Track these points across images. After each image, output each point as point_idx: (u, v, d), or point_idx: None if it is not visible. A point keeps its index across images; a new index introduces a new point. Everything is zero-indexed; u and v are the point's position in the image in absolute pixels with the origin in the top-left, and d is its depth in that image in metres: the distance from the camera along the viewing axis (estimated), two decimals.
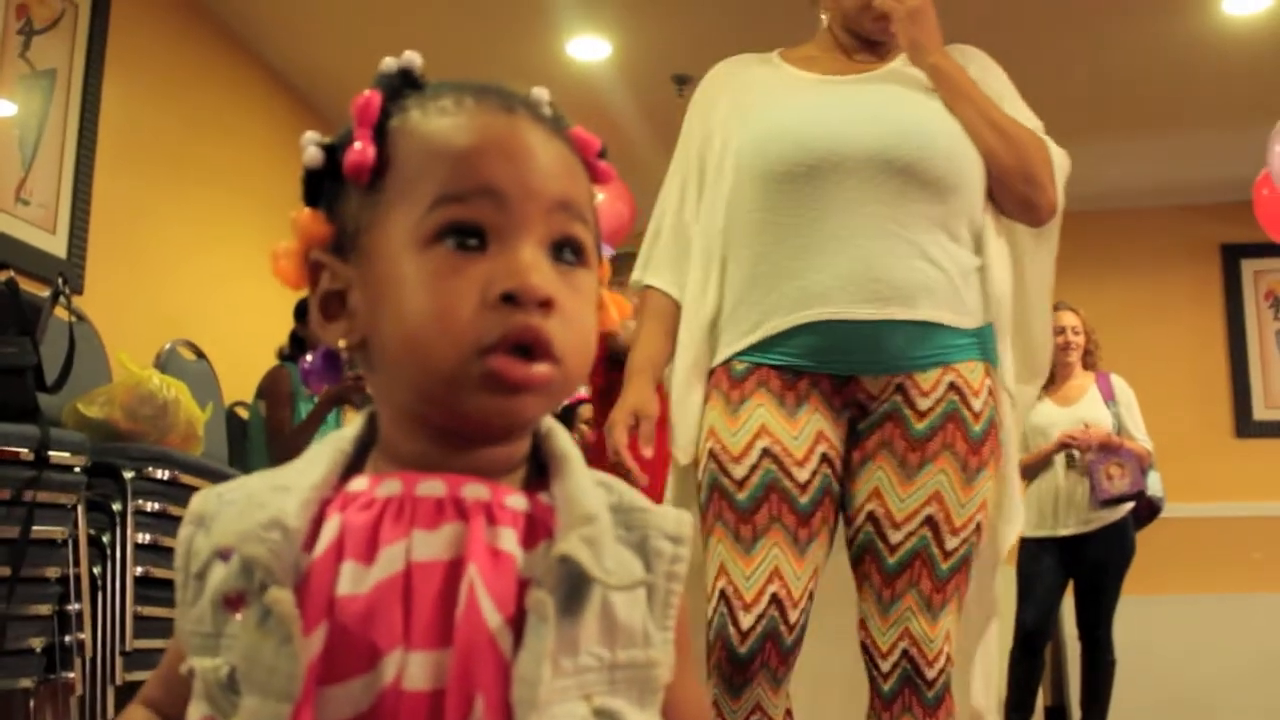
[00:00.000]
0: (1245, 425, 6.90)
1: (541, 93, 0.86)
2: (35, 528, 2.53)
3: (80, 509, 2.74)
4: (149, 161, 4.45)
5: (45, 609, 2.64)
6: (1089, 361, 4.95)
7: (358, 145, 0.79)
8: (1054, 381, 4.76)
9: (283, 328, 4.60)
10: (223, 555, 0.76)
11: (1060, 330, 4.85)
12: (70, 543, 2.71)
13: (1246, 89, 5.49)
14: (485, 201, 0.76)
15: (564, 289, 0.77)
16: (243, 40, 5.13)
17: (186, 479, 3.12)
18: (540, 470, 0.81)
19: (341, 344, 0.81)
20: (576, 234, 0.80)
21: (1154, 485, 4.82)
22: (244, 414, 4.50)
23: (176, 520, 2.98)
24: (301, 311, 4.54)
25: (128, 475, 2.95)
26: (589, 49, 5.23)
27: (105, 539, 2.88)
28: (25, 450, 2.53)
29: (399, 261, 0.76)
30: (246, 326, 4.87)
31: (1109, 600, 4.77)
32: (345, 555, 0.73)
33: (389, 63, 0.84)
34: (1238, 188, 6.17)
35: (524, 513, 0.77)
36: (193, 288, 4.67)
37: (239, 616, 0.74)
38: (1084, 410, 4.75)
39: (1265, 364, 6.95)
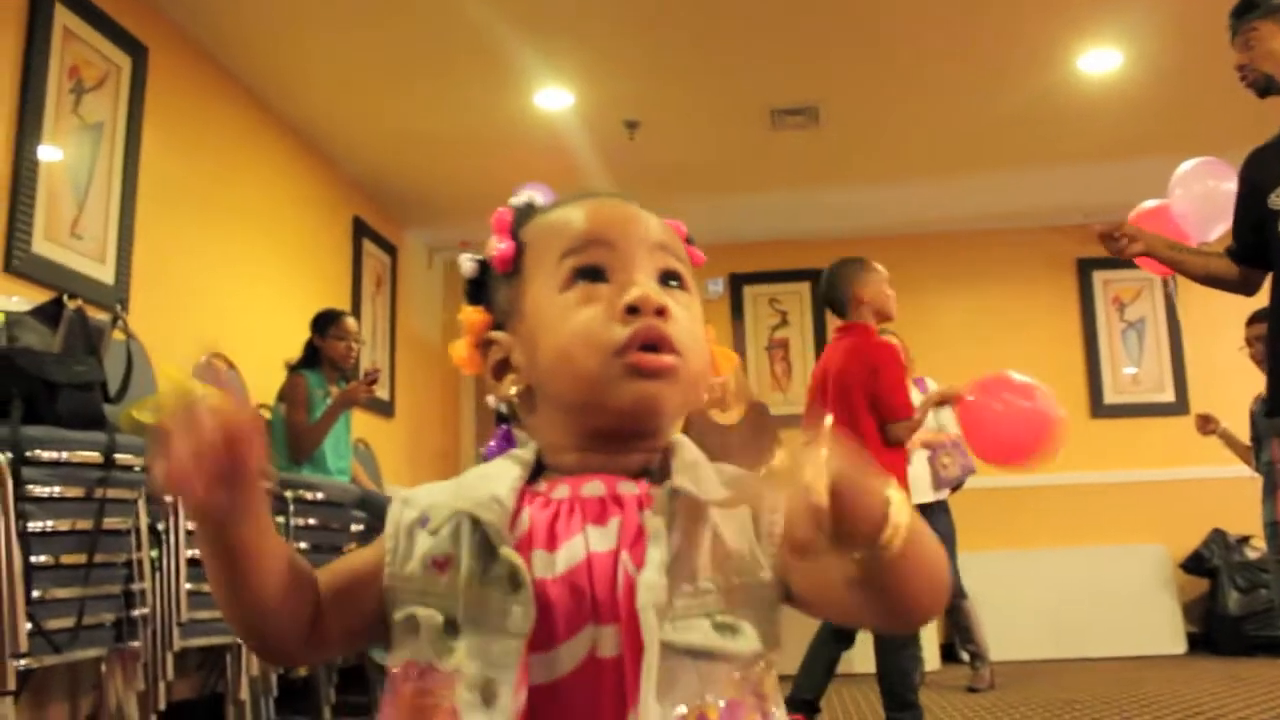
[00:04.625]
0: (1098, 408, 7.05)
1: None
2: (105, 520, 2.52)
3: (141, 502, 2.72)
4: (182, 201, 4.39)
5: (115, 589, 2.61)
6: (908, 371, 5.02)
7: (501, 245, 0.88)
8: None
9: (296, 341, 4.58)
10: (423, 523, 0.81)
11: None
12: (133, 532, 2.69)
13: (1098, 131, 5.63)
14: (600, 249, 0.84)
15: (674, 303, 0.82)
16: (263, 98, 5.08)
17: None
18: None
19: (513, 393, 0.86)
20: (677, 268, 0.86)
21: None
22: (266, 415, 4.46)
23: None
24: (318, 324, 4.52)
25: None
26: (553, 99, 5.23)
27: (160, 527, 2.85)
28: (96, 454, 2.51)
29: (544, 308, 0.84)
30: (267, 341, 4.83)
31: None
32: (534, 544, 0.78)
33: (517, 199, 0.92)
34: (1090, 211, 6.30)
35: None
36: (223, 309, 4.63)
37: (445, 576, 0.78)
38: None
39: (1113, 357, 7.11)
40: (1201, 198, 3.94)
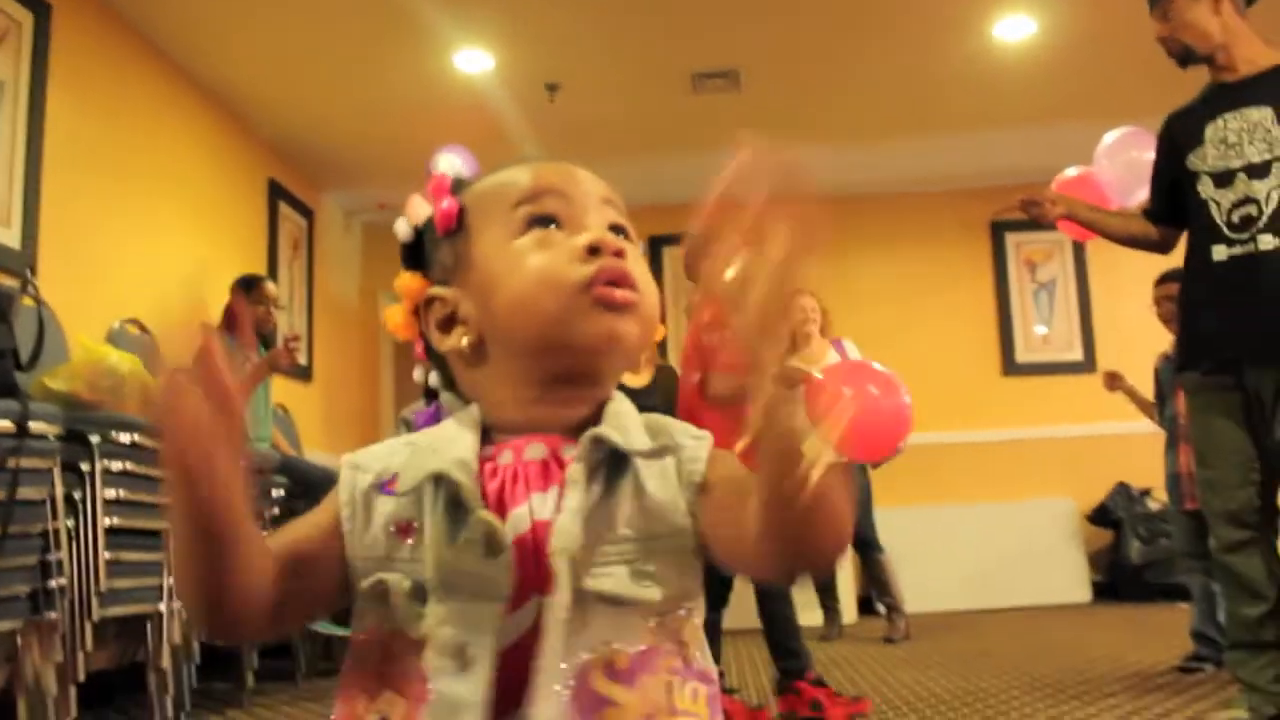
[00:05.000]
0: (1010, 366, 7.22)
1: None
2: (19, 490, 2.46)
3: (56, 472, 2.66)
4: (93, 164, 4.27)
5: (30, 560, 2.56)
6: (824, 331, 5.11)
7: (444, 204, 0.87)
8: (797, 349, 4.93)
9: (215, 305, 4.49)
10: (381, 487, 0.80)
11: (800, 310, 5.02)
12: (48, 501, 2.63)
13: (1012, 97, 5.73)
14: (552, 198, 0.85)
15: (628, 247, 0.84)
16: (173, 56, 4.94)
17: (147, 440, 3.04)
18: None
19: (464, 343, 0.84)
20: (623, 222, 0.87)
21: None
22: None
23: (140, 478, 2.93)
24: (244, 286, 4.45)
25: (94, 440, 2.87)
26: (473, 61, 5.17)
27: (77, 495, 2.80)
28: (8, 423, 2.44)
29: (500, 255, 0.84)
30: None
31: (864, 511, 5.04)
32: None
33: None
34: (1004, 175, 6.45)
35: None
36: (136, 273, 4.51)
37: (409, 542, 0.77)
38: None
39: (1025, 317, 7.28)
40: (1125, 165, 4.04)
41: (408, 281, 0.90)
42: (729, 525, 0.77)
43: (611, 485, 0.79)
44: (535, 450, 0.81)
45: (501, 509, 0.77)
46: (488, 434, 0.84)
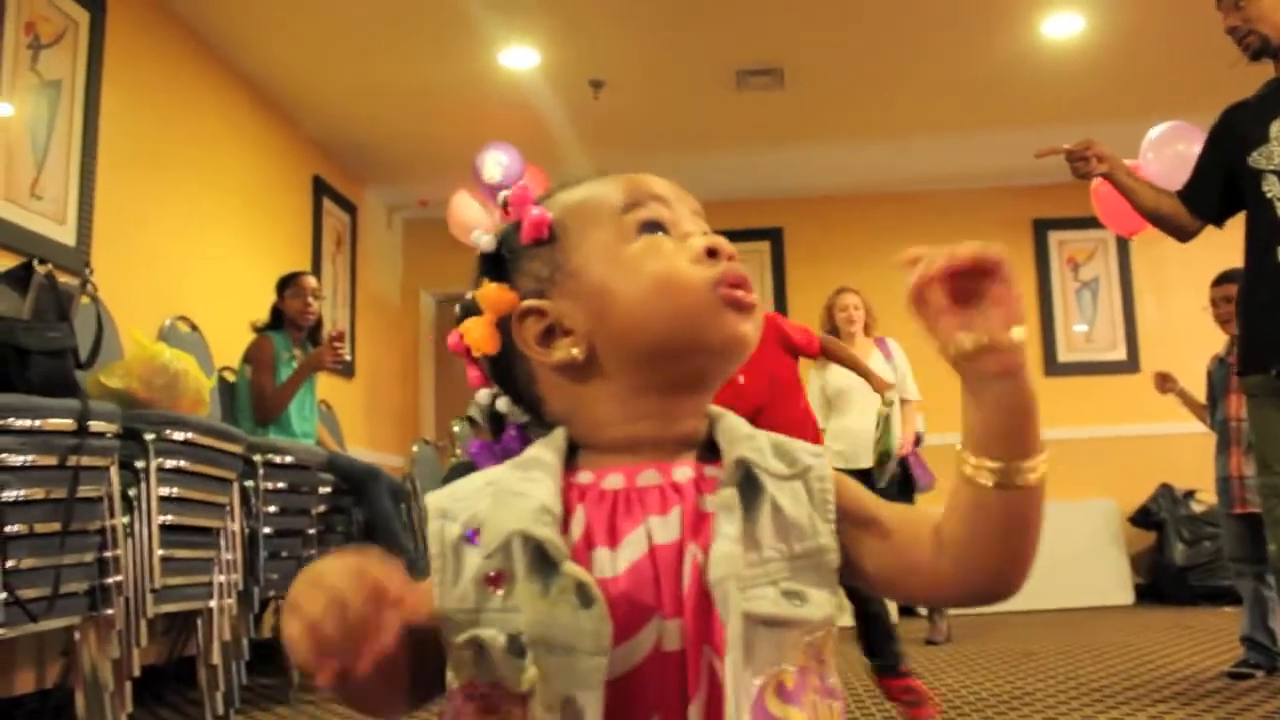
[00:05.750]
0: (1052, 366, 7.15)
1: None
2: (79, 488, 2.48)
3: (113, 469, 2.69)
4: (144, 161, 4.30)
5: (89, 556, 2.59)
6: (869, 330, 5.07)
7: (535, 211, 0.84)
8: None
9: (259, 301, 4.52)
10: (470, 538, 0.77)
11: (844, 308, 4.98)
12: (106, 499, 2.66)
13: (1058, 94, 5.66)
14: (659, 204, 0.84)
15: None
16: (224, 55, 4.98)
17: (200, 439, 3.07)
18: (710, 449, 0.83)
19: (574, 352, 0.81)
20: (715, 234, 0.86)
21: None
22: (230, 377, 4.41)
23: (194, 475, 2.96)
24: (282, 285, 4.47)
25: (149, 438, 2.89)
26: (518, 58, 5.17)
27: (132, 493, 2.82)
28: (70, 421, 2.47)
29: (614, 260, 0.81)
30: (231, 301, 4.77)
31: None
32: (595, 542, 0.76)
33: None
34: (1047, 173, 6.35)
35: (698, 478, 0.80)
36: (184, 270, 4.55)
37: (500, 593, 0.74)
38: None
39: (1067, 316, 7.21)
40: (1172, 160, 3.99)
41: (494, 293, 0.84)
42: (897, 557, 0.80)
43: (750, 507, 0.77)
44: (648, 477, 0.79)
45: (614, 536, 0.76)
46: (578, 453, 0.82)
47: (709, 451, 0.81)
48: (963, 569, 0.78)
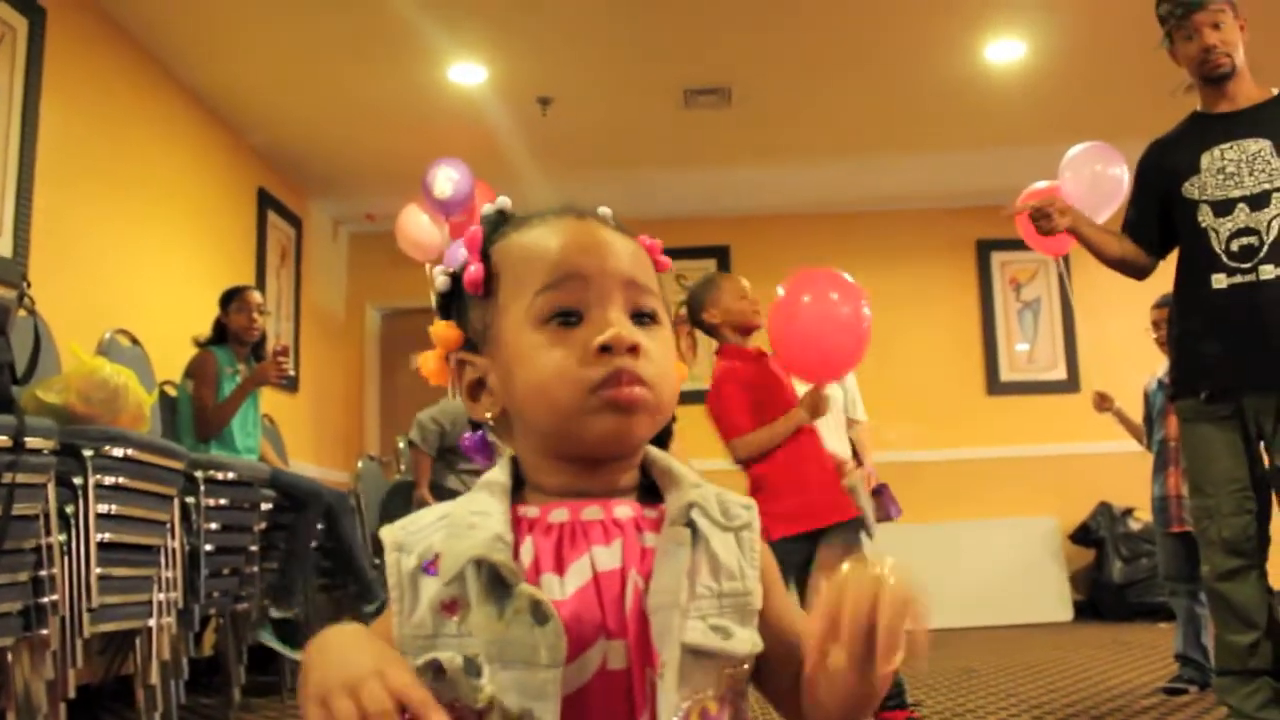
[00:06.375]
0: (994, 385, 7.26)
1: (607, 210, 0.93)
2: (14, 505, 2.43)
3: (50, 486, 2.63)
4: (84, 171, 4.24)
5: (23, 576, 2.53)
6: None
7: (472, 268, 0.89)
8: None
9: (202, 314, 4.46)
10: (427, 569, 0.82)
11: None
12: (41, 517, 2.60)
13: (1000, 118, 5.78)
14: (575, 284, 0.85)
15: (645, 338, 0.85)
16: (167, 65, 4.92)
17: (140, 455, 3.02)
18: (648, 490, 0.89)
19: (488, 416, 0.89)
20: (648, 304, 0.88)
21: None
22: (172, 392, 4.34)
23: (134, 492, 2.91)
24: (226, 300, 4.41)
25: (88, 454, 2.84)
26: (466, 74, 5.16)
27: (69, 510, 2.77)
28: (4, 438, 2.41)
29: (520, 341, 0.85)
30: (172, 314, 4.70)
31: None
32: (543, 569, 0.81)
33: (488, 207, 0.93)
34: (990, 194, 6.46)
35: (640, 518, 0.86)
36: (125, 282, 4.49)
37: (455, 618, 0.80)
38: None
39: (1009, 336, 7.33)
40: (1090, 181, 4.09)
41: (443, 331, 0.92)
42: (773, 666, 0.87)
43: (690, 545, 0.83)
44: (591, 512, 0.84)
45: (561, 564, 0.81)
46: (524, 487, 0.88)
47: (646, 493, 0.88)
48: (798, 713, 0.86)
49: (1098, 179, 4.08)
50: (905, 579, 0.75)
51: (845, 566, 0.76)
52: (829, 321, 3.18)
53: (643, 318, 0.87)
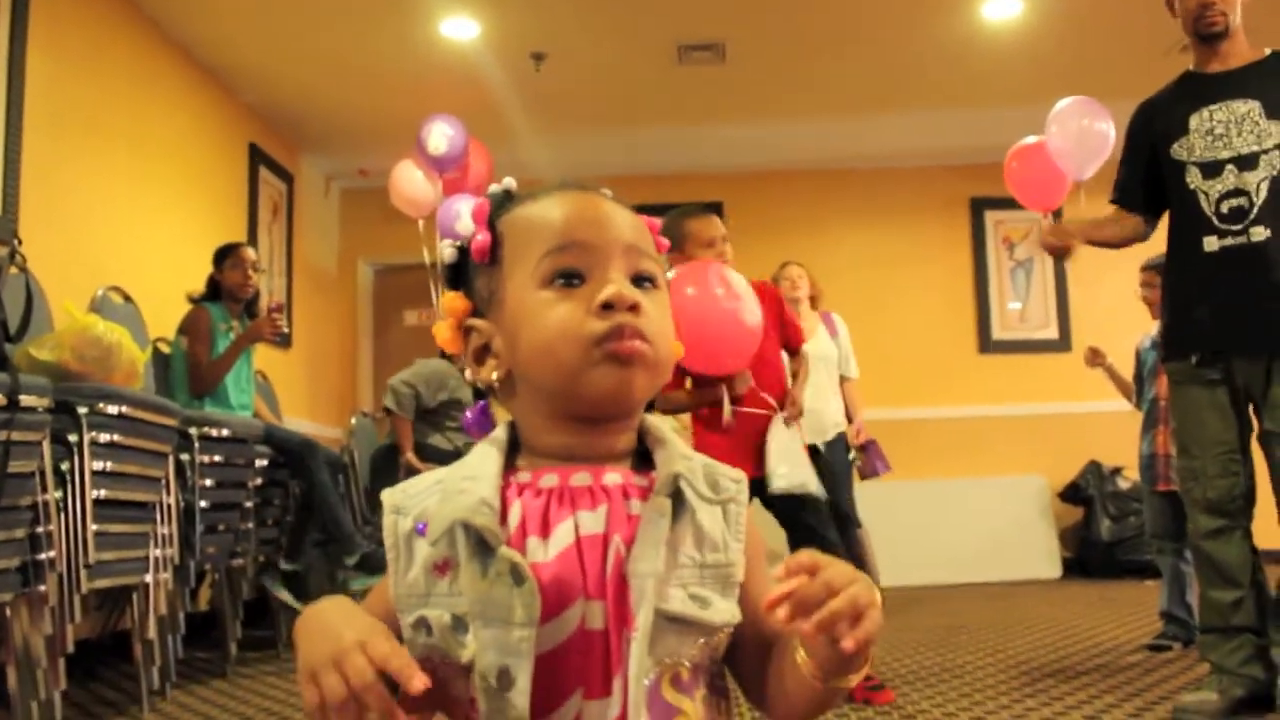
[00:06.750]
0: (986, 344, 7.28)
1: (607, 191, 0.96)
2: (9, 463, 2.45)
3: (45, 444, 2.65)
4: (74, 127, 4.21)
5: (20, 533, 2.55)
6: (815, 304, 5.07)
7: (480, 237, 0.92)
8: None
9: (194, 271, 4.46)
10: (420, 530, 0.86)
11: (790, 279, 4.91)
12: (37, 474, 2.62)
13: (996, 75, 5.75)
14: (577, 251, 0.89)
15: (645, 299, 0.88)
16: (157, 19, 4.86)
17: (134, 412, 3.03)
18: (643, 458, 0.91)
19: (494, 376, 0.92)
20: (647, 268, 0.92)
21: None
22: (166, 349, 4.35)
23: (128, 449, 2.92)
24: (220, 256, 4.40)
25: (82, 411, 2.85)
26: (460, 28, 5.12)
27: (65, 467, 2.79)
28: None
29: (525, 302, 0.88)
30: (165, 271, 4.70)
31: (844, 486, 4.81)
32: (528, 532, 0.85)
33: (495, 187, 0.96)
34: (985, 153, 6.45)
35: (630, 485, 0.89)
36: (117, 239, 4.48)
37: (446, 578, 0.84)
38: (815, 345, 4.59)
39: (1002, 295, 7.34)
40: (1077, 136, 4.09)
41: (452, 301, 0.95)
42: (745, 642, 0.90)
43: (675, 517, 0.86)
44: (580, 478, 0.87)
45: (546, 527, 0.84)
46: (518, 447, 0.92)
47: (641, 460, 0.91)
48: (763, 700, 0.90)
49: (1084, 133, 4.08)
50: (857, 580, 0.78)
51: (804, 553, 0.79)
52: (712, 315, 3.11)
53: (642, 281, 0.90)
